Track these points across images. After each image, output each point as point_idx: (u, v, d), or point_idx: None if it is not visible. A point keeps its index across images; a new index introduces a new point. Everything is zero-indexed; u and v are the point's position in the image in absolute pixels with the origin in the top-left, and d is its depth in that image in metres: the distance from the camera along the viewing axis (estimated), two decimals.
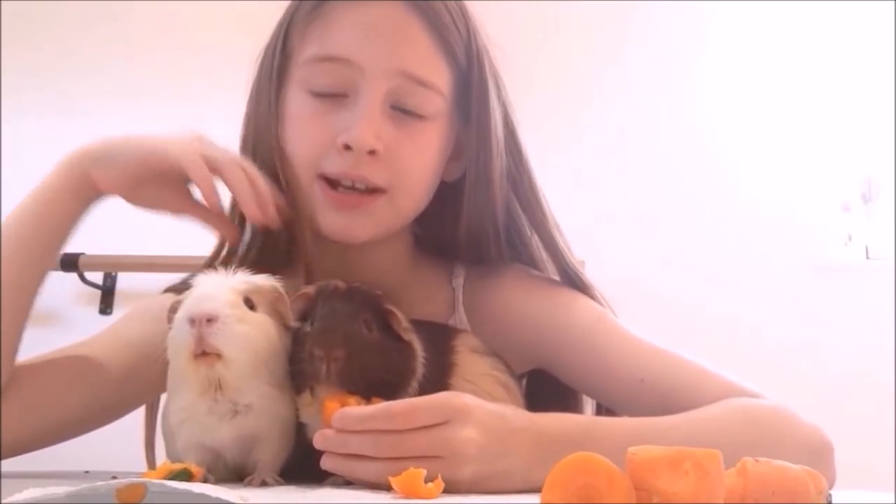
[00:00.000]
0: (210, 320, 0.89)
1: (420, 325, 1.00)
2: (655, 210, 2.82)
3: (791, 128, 2.87)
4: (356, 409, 0.87)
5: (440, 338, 1.03)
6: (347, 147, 1.04)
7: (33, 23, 2.70)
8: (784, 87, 2.88)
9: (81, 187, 1.03)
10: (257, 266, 1.00)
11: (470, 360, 1.02)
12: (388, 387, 0.91)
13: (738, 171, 2.85)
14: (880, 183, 2.89)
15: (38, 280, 1.05)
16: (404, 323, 0.95)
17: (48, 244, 1.05)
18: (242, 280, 0.95)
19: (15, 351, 1.04)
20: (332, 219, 1.07)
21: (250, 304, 0.93)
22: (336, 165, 1.05)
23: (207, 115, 2.44)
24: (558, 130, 2.79)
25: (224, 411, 0.92)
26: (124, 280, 2.74)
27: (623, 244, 2.78)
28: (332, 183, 1.07)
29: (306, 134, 1.07)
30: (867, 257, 2.87)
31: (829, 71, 2.88)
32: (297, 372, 0.92)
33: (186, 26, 2.74)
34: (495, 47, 1.14)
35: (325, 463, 0.87)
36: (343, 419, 0.86)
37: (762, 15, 2.89)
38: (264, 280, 0.96)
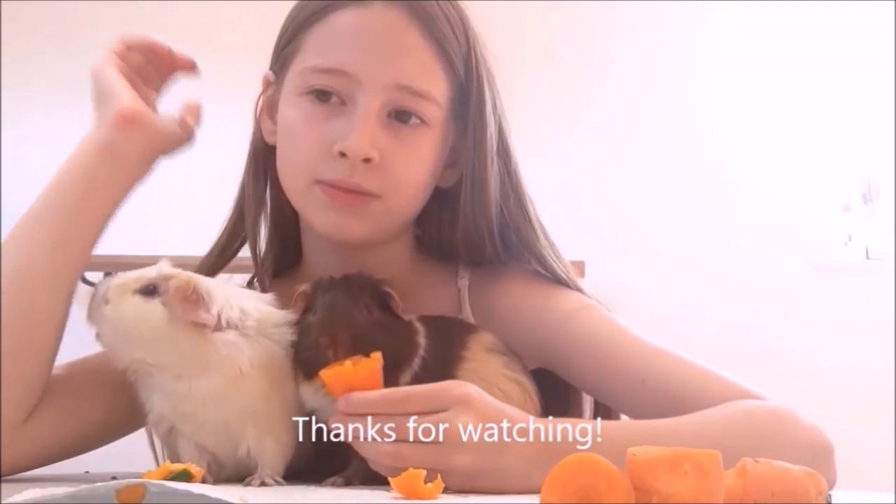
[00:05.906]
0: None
1: (433, 319, 1.01)
2: (655, 210, 2.82)
3: (791, 128, 2.87)
4: (359, 394, 0.90)
5: (453, 330, 1.04)
6: (343, 154, 1.04)
7: (36, 22, 2.70)
8: (784, 86, 2.88)
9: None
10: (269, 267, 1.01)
11: (484, 358, 1.02)
12: (391, 364, 0.93)
13: (739, 172, 2.85)
14: (880, 183, 2.89)
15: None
16: (402, 304, 0.97)
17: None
18: (156, 269, 0.97)
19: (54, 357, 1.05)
20: (328, 217, 1.07)
21: (153, 291, 0.95)
22: (332, 172, 1.06)
23: (219, 116, 2.45)
24: (557, 131, 2.79)
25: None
26: None
27: (622, 245, 2.78)
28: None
29: (303, 140, 1.08)
30: (867, 257, 2.88)
31: (829, 71, 2.88)
32: (303, 360, 0.95)
33: (195, 27, 2.74)
34: (492, 55, 1.14)
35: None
36: (348, 404, 0.89)
37: (762, 15, 2.88)
38: (174, 271, 0.97)
